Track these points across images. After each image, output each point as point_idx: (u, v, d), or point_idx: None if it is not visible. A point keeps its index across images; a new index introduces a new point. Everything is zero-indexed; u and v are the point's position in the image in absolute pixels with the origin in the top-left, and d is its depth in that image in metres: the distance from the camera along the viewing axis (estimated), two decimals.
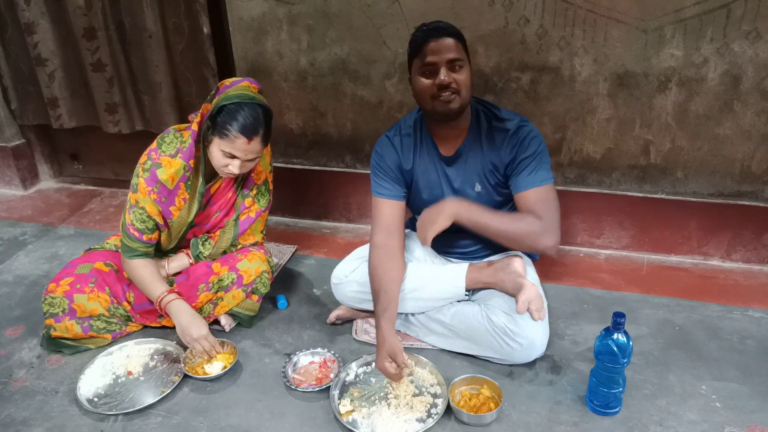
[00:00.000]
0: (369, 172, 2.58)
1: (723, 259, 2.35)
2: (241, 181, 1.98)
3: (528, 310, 1.66)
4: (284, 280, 2.30)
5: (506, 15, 2.13)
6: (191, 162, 1.81)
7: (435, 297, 1.86)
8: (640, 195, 2.32)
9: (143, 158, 1.82)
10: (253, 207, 2.00)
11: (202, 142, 1.79)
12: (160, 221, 1.85)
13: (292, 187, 2.71)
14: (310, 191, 2.71)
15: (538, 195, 1.70)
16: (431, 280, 1.84)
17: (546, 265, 2.28)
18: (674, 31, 2.03)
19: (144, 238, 1.85)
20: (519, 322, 1.71)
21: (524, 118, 1.76)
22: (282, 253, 2.47)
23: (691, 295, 2.15)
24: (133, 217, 1.83)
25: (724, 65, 2.04)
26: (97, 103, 2.72)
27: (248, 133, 1.69)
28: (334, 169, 2.63)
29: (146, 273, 1.87)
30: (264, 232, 2.10)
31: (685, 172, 2.25)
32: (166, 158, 1.79)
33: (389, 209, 1.85)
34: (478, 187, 1.81)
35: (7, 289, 2.28)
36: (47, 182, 3.19)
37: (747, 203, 2.24)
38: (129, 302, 1.94)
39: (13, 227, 2.75)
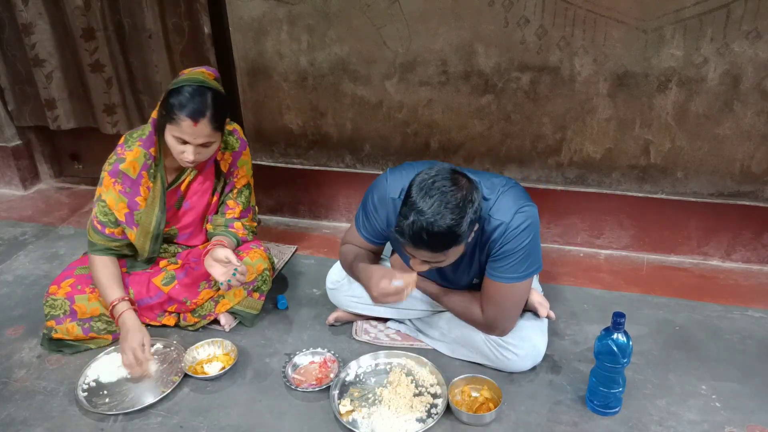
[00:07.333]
0: (368, 171, 2.62)
1: (723, 259, 2.35)
2: (222, 185, 1.98)
3: (535, 307, 1.75)
4: (284, 280, 2.30)
5: (506, 15, 2.13)
6: (152, 150, 1.82)
7: (416, 307, 1.89)
8: (640, 195, 2.32)
9: (112, 154, 1.84)
10: (237, 208, 2.00)
11: (160, 131, 1.76)
12: (120, 217, 1.83)
13: (293, 187, 2.71)
14: (310, 191, 2.71)
15: (495, 289, 1.64)
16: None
17: (546, 266, 2.26)
18: (674, 31, 2.03)
19: (106, 231, 1.84)
20: (512, 333, 1.72)
21: (520, 209, 1.55)
22: (282, 253, 2.47)
23: (691, 295, 2.15)
24: (98, 210, 1.83)
25: (724, 65, 2.04)
26: (95, 104, 2.72)
27: (194, 115, 1.66)
28: (334, 169, 2.63)
29: (105, 273, 1.84)
30: (256, 218, 2.11)
31: (685, 172, 2.25)
32: (129, 152, 1.81)
33: (364, 244, 1.80)
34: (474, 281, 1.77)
35: (7, 289, 2.28)
36: (47, 182, 3.18)
37: (747, 203, 2.24)
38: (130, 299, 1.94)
39: (13, 227, 2.74)
